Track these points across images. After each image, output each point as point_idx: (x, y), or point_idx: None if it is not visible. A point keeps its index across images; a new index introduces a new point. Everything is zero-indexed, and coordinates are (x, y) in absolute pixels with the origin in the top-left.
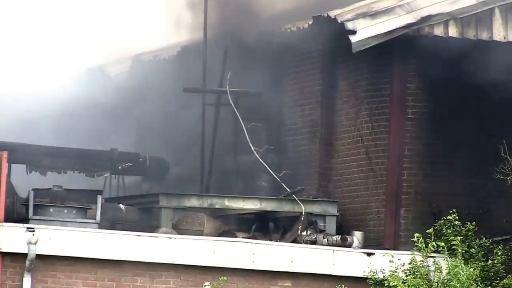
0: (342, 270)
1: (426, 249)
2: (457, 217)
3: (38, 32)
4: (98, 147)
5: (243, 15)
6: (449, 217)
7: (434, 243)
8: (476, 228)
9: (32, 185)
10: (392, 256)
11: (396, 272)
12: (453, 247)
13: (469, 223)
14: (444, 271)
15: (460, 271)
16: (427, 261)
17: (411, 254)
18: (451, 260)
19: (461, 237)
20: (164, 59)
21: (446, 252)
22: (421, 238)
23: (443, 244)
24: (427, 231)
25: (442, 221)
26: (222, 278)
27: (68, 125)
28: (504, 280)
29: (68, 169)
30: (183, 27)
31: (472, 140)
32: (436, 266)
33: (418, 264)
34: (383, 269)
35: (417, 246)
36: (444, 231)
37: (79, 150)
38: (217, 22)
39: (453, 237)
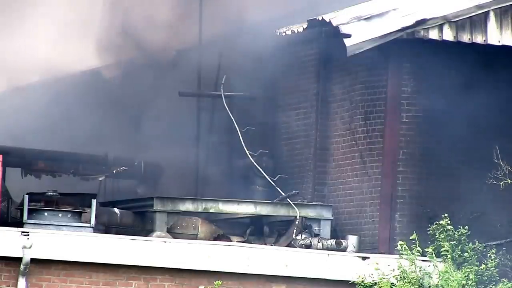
0: (337, 274)
1: (412, 254)
2: (449, 221)
3: (32, 34)
4: (93, 151)
5: (238, 18)
6: (441, 221)
7: (419, 248)
8: (469, 232)
9: (27, 189)
10: (377, 264)
11: (385, 277)
12: (443, 252)
13: (461, 227)
14: (434, 277)
15: (450, 277)
16: (419, 266)
17: (398, 259)
18: (442, 265)
19: (454, 242)
20: (159, 63)
21: (435, 258)
22: (405, 244)
23: (430, 250)
24: (410, 238)
25: (434, 226)
26: (217, 282)
27: (63, 129)
28: (499, 285)
29: (63, 172)
30: (178, 30)
31: (467, 144)
32: (425, 272)
33: (407, 269)
34: (372, 274)
35: (401, 252)
36: (437, 236)
37: (74, 154)
38: (212, 26)
39: (443, 243)
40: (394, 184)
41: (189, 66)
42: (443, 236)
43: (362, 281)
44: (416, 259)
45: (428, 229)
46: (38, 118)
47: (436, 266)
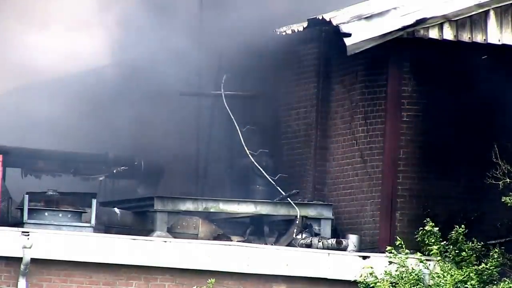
0: (338, 273)
1: (400, 257)
2: (433, 224)
3: (33, 34)
4: (93, 151)
5: (238, 18)
6: (426, 227)
7: (407, 250)
8: (466, 231)
9: (27, 189)
10: (379, 263)
11: (385, 277)
12: (432, 255)
13: (457, 226)
14: (427, 278)
15: (442, 281)
16: (415, 267)
17: (389, 258)
18: (435, 266)
19: (445, 243)
20: (159, 62)
21: (425, 261)
22: (393, 249)
23: (418, 254)
24: (387, 250)
25: (421, 232)
26: (210, 280)
27: (63, 128)
28: (501, 284)
29: (63, 172)
30: (178, 30)
31: (467, 143)
32: (417, 274)
33: (407, 269)
34: (374, 273)
35: (389, 255)
36: (427, 241)
37: (74, 154)
38: (212, 25)
39: (431, 247)
40: (394, 183)
41: (190, 66)
42: (433, 240)
43: (364, 280)
44: (407, 259)
45: (415, 236)
46: (38, 118)
47: (427, 268)
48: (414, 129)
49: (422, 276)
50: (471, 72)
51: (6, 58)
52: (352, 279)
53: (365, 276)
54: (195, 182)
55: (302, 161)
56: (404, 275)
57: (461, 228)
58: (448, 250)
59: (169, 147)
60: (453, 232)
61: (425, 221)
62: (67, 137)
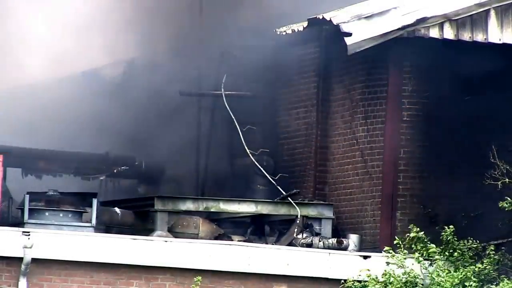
0: (338, 273)
1: (398, 257)
2: (419, 230)
3: (33, 35)
4: (93, 151)
5: (239, 17)
6: (411, 234)
7: (406, 251)
8: (453, 229)
9: (28, 189)
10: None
11: (382, 277)
12: (430, 254)
13: (446, 227)
14: (425, 280)
15: (442, 281)
16: (410, 268)
17: (387, 258)
18: (431, 267)
19: (442, 246)
20: (159, 62)
21: (423, 261)
22: (391, 249)
23: (416, 255)
24: (383, 250)
25: (407, 240)
26: (197, 278)
27: (64, 129)
28: (500, 284)
29: (63, 172)
30: (178, 30)
31: (467, 142)
32: (413, 275)
33: (399, 271)
34: (359, 274)
35: (387, 255)
36: (414, 248)
37: (75, 154)
38: (212, 25)
39: (419, 251)
40: (395, 183)
41: (190, 65)
42: (419, 248)
43: (353, 284)
44: (404, 260)
45: (402, 240)
46: (38, 118)
47: (426, 268)
48: (414, 129)
49: (419, 276)
50: (471, 72)
51: (6, 58)
52: (353, 278)
53: (355, 279)
54: (195, 182)
55: (303, 161)
56: (401, 275)
57: (449, 228)
58: (446, 250)
59: (169, 147)
60: (443, 233)
61: (409, 226)
62: (67, 137)
